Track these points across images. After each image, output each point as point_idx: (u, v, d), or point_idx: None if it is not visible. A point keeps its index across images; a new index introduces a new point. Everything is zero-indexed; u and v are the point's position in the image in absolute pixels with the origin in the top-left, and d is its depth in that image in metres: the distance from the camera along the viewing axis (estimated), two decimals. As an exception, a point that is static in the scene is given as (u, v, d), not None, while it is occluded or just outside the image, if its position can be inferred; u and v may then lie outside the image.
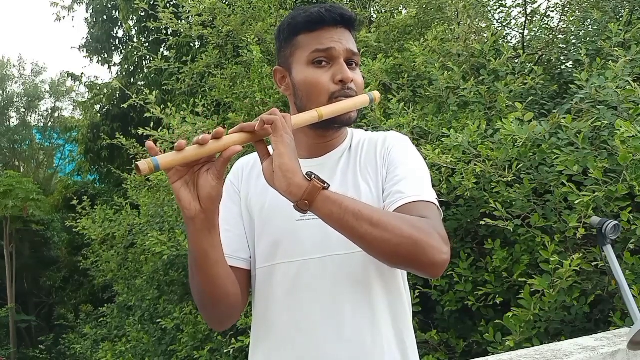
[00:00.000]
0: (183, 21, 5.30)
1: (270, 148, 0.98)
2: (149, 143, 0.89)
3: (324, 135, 1.15)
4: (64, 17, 13.40)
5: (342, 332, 1.05)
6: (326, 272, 1.07)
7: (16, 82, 18.91)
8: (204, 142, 0.90)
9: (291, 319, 1.08)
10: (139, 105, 4.40)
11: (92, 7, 11.57)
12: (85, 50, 11.78)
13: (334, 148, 1.16)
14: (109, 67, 12.15)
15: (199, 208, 0.93)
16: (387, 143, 1.15)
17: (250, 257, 1.14)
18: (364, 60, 3.56)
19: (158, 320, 4.71)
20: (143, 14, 9.06)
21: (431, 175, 1.17)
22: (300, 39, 1.11)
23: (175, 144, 0.89)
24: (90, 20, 11.71)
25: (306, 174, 0.94)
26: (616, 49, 2.95)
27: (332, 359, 1.05)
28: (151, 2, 5.68)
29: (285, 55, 1.14)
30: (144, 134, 4.02)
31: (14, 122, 18.55)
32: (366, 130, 1.25)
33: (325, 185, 0.94)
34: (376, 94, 1.14)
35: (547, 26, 4.31)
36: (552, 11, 4.30)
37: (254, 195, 1.15)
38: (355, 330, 1.06)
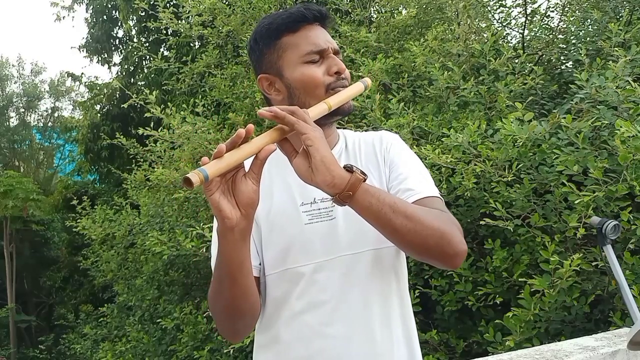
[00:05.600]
0: (183, 21, 5.29)
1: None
2: (205, 159, 0.86)
3: None
4: (64, 17, 13.41)
5: (354, 330, 1.07)
6: (337, 274, 1.08)
7: (15, 82, 18.95)
8: (236, 143, 0.88)
9: (303, 320, 1.09)
10: (139, 105, 4.40)
11: (92, 7, 11.55)
12: (85, 50, 11.77)
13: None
14: (109, 67, 12.15)
15: (240, 215, 0.90)
16: (384, 142, 1.18)
17: (260, 264, 1.13)
18: (364, 60, 3.56)
19: (158, 320, 4.70)
20: (143, 14, 9.05)
21: (431, 175, 1.20)
22: (286, 41, 1.12)
23: (216, 150, 0.86)
24: (90, 20, 11.69)
25: (344, 166, 0.95)
26: (616, 49, 2.95)
27: (345, 357, 1.07)
28: (151, 2, 5.68)
29: (271, 60, 1.13)
30: (144, 134, 4.03)
31: (13, 122, 18.59)
32: (366, 130, 1.26)
33: (366, 176, 0.95)
34: (368, 81, 1.17)
35: (547, 26, 4.31)
36: (552, 11, 4.30)
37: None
38: (366, 328, 1.08)
